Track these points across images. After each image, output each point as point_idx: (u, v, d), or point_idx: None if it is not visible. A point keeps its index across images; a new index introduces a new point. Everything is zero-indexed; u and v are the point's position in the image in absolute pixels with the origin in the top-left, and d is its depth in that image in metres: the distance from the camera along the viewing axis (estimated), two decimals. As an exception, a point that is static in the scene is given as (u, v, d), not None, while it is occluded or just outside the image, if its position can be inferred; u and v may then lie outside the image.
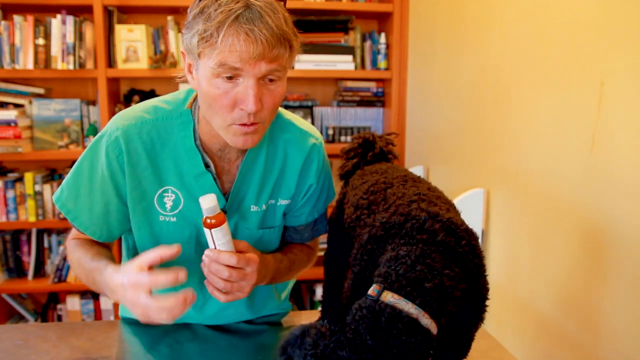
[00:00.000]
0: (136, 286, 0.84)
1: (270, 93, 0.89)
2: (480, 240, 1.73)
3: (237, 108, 0.88)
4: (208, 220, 0.87)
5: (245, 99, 0.86)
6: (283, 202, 1.09)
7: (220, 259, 0.89)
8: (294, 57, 0.91)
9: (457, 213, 0.85)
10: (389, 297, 0.65)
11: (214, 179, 1.01)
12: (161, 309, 0.83)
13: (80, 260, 1.00)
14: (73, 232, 1.07)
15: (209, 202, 0.86)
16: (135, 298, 0.84)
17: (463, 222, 0.78)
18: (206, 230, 0.88)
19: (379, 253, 0.75)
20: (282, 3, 0.89)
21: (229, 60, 0.83)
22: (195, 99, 1.02)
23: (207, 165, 1.01)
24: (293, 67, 0.95)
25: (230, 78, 0.86)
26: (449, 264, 0.70)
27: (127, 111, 1.02)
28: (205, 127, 0.98)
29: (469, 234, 0.75)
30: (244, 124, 0.89)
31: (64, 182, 1.03)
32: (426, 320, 0.65)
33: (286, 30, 0.85)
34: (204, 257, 0.90)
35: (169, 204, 1.02)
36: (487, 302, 0.76)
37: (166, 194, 1.02)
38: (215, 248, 0.89)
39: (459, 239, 0.73)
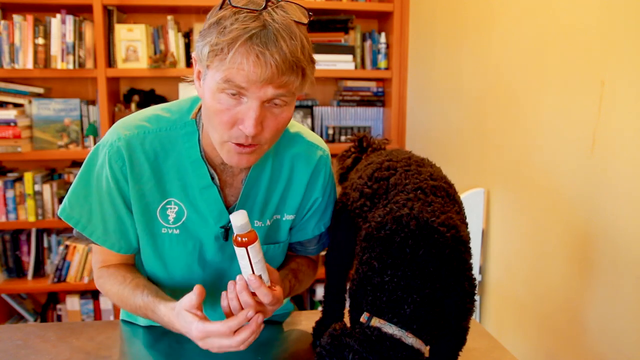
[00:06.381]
0: (207, 335, 0.84)
1: (274, 117, 0.86)
2: (480, 240, 1.74)
3: (236, 127, 0.85)
4: (239, 239, 0.81)
5: (246, 120, 0.83)
6: (288, 217, 1.07)
7: (259, 292, 0.85)
8: (305, 85, 0.87)
9: (454, 203, 0.88)
10: (376, 322, 0.77)
11: (219, 192, 0.99)
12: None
13: (121, 297, 0.99)
14: (96, 258, 1.04)
15: (241, 219, 0.80)
16: (207, 344, 0.85)
17: (451, 225, 0.80)
18: (240, 250, 0.82)
19: (371, 251, 0.82)
20: (304, 27, 0.85)
21: (235, 78, 0.80)
22: (200, 109, 0.98)
23: (212, 178, 0.98)
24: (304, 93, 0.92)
25: (234, 95, 0.83)
26: (431, 280, 0.77)
27: (128, 120, 0.99)
28: (210, 139, 0.94)
29: (455, 239, 0.79)
30: (241, 145, 0.87)
31: (67, 196, 0.98)
32: (410, 339, 0.75)
33: (300, 57, 0.81)
34: (240, 280, 0.85)
35: (171, 216, 0.99)
36: (475, 297, 0.82)
37: (169, 206, 0.99)
38: (252, 267, 0.83)
39: (442, 249, 0.78)
